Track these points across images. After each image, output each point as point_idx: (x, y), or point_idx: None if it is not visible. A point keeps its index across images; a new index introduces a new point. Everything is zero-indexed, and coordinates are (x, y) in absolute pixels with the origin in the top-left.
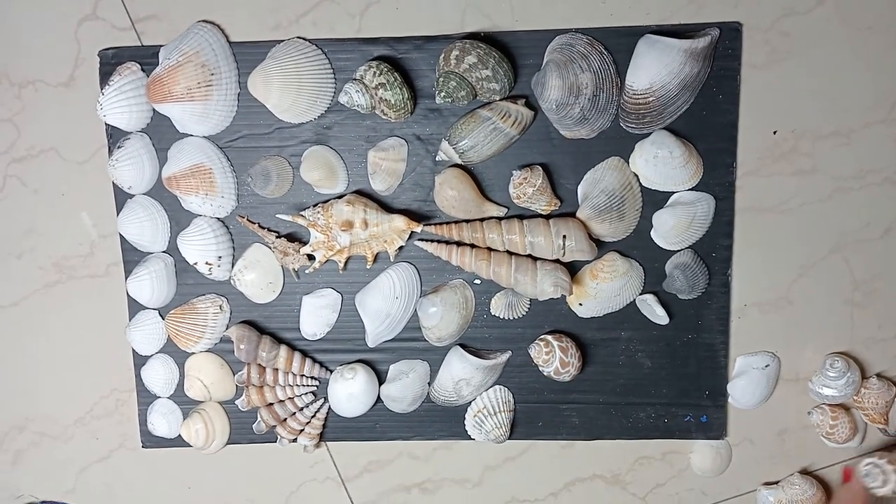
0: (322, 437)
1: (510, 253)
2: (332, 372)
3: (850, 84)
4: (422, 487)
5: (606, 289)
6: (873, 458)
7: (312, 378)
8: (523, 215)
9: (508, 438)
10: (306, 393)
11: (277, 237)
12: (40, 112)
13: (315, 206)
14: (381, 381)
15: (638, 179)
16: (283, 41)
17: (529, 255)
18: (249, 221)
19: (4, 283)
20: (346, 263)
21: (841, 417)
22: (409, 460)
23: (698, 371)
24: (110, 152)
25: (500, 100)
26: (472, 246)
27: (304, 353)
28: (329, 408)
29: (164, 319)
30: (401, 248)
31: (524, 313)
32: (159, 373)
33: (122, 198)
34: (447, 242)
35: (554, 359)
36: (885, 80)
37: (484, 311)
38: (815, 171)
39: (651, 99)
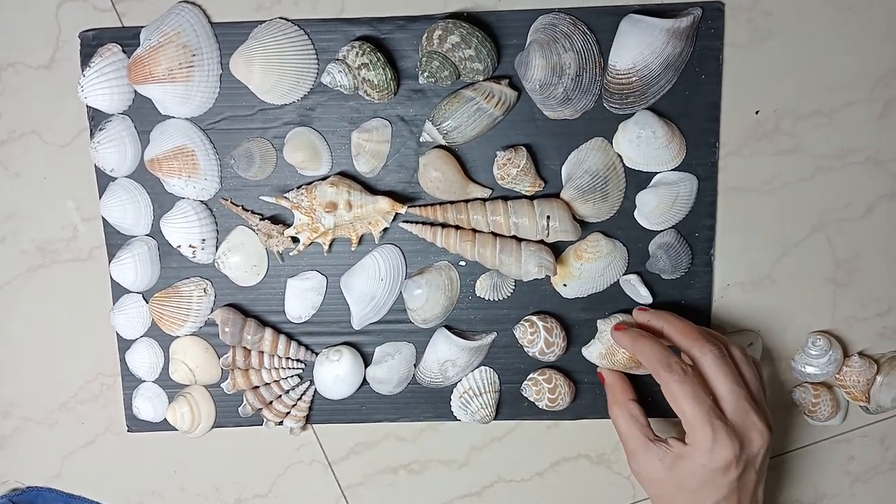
0: (308, 420)
1: (495, 234)
2: (317, 354)
3: (832, 63)
4: (408, 468)
5: (590, 269)
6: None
7: (298, 361)
8: (507, 196)
9: (494, 419)
10: (292, 376)
11: (261, 219)
12: (21, 95)
13: (299, 187)
14: (366, 364)
15: (621, 160)
16: (265, 21)
17: (514, 237)
18: (233, 204)
19: None
20: (330, 245)
21: (823, 396)
22: (395, 442)
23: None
24: (92, 135)
25: (484, 80)
26: (457, 227)
27: (290, 336)
28: (315, 390)
29: (147, 303)
30: (385, 229)
31: (509, 294)
32: (144, 357)
33: (104, 181)
34: (432, 224)
35: (539, 339)
36: (867, 60)
37: (469, 293)
38: (797, 151)
39: (634, 79)
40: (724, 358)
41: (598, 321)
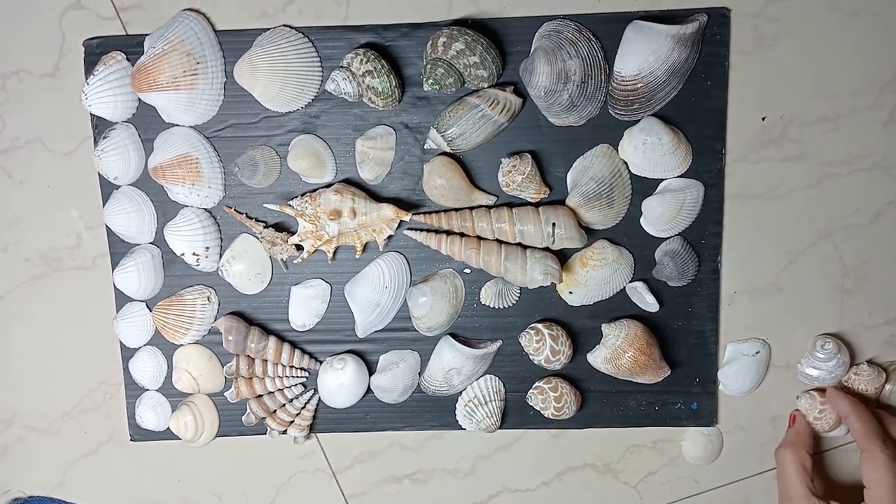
0: (312, 429)
1: (500, 241)
2: (321, 363)
3: (838, 70)
4: (413, 478)
5: (596, 276)
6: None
7: (302, 369)
8: (512, 203)
9: (499, 428)
10: (296, 384)
11: (265, 227)
12: (25, 103)
13: (303, 195)
14: (371, 372)
15: (627, 167)
16: (269, 29)
17: (519, 244)
18: (237, 212)
19: None
20: (334, 253)
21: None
22: (399, 451)
23: (688, 358)
24: (96, 143)
25: (489, 87)
26: (462, 235)
27: (294, 344)
28: (319, 399)
29: (151, 311)
30: (390, 237)
31: (514, 302)
32: (147, 365)
33: (108, 189)
34: (436, 231)
35: (544, 347)
36: (873, 66)
37: (474, 301)
38: (804, 157)
39: (639, 85)
40: None
41: (603, 325)
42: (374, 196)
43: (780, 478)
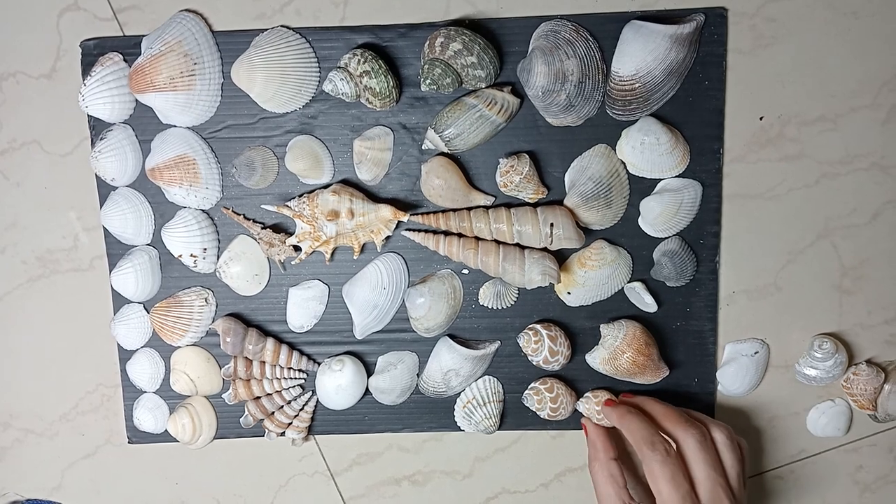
0: (310, 431)
1: (498, 242)
2: (319, 364)
3: (836, 69)
4: (412, 480)
5: (595, 277)
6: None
7: (300, 371)
8: (511, 204)
9: (498, 429)
10: (294, 386)
11: (263, 228)
12: (22, 104)
13: (300, 196)
14: (369, 373)
15: (625, 167)
16: (266, 30)
17: (517, 244)
18: (234, 213)
19: None
20: (332, 254)
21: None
22: (398, 452)
23: (687, 359)
24: (93, 144)
25: (486, 87)
26: (460, 235)
27: (292, 346)
28: (317, 401)
29: (148, 313)
30: (388, 238)
31: (512, 303)
32: (145, 367)
33: (105, 190)
34: (434, 232)
35: (543, 348)
36: (871, 65)
37: (472, 301)
38: (802, 157)
39: (637, 85)
40: (704, 443)
41: (602, 326)
42: (372, 197)
43: (597, 494)
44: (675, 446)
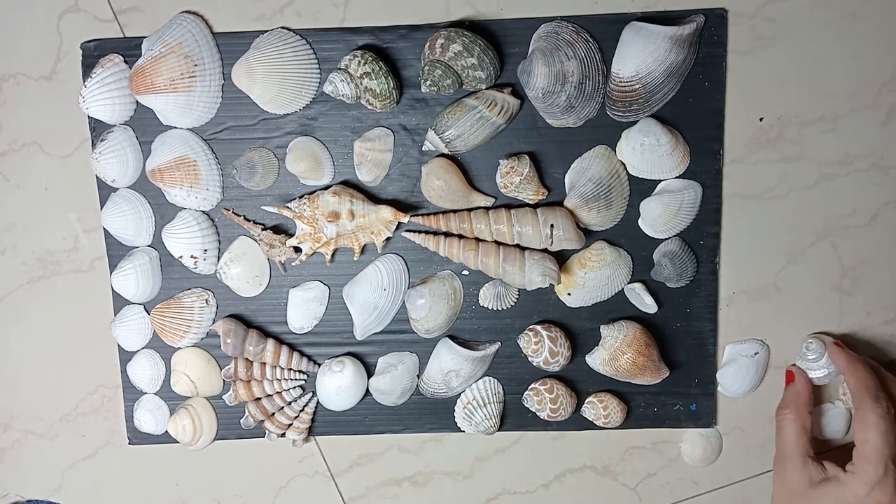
0: (311, 432)
1: (498, 243)
2: (320, 365)
3: (836, 70)
4: (412, 480)
5: (595, 278)
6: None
7: (300, 372)
8: (511, 205)
9: (498, 430)
10: (294, 387)
11: (263, 229)
12: (22, 106)
13: (301, 197)
14: (369, 374)
15: (625, 168)
16: (266, 31)
17: (517, 245)
18: (235, 214)
19: None
20: (332, 255)
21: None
22: (398, 453)
23: (687, 359)
24: (93, 146)
25: (487, 88)
26: (460, 236)
27: (292, 347)
28: (317, 402)
29: (149, 314)
30: (388, 239)
31: (513, 304)
32: (145, 368)
33: (105, 192)
34: (435, 233)
35: (543, 349)
36: (871, 66)
37: (472, 302)
38: (802, 158)
39: (637, 86)
40: None
41: (602, 327)
42: (373, 198)
43: (778, 436)
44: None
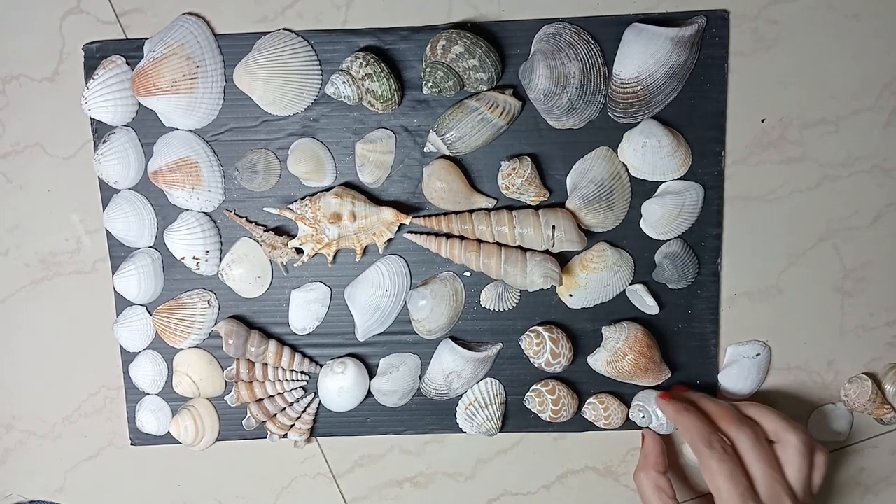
0: (313, 433)
1: (500, 244)
2: (321, 366)
3: (838, 71)
4: (414, 481)
5: (596, 279)
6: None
7: (302, 373)
8: (512, 206)
9: (500, 431)
10: (296, 388)
11: (265, 231)
12: (24, 107)
13: (303, 199)
14: (371, 375)
15: (627, 169)
16: (268, 33)
17: (519, 247)
18: (237, 215)
19: None
20: (334, 257)
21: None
22: (400, 454)
23: (689, 361)
24: (96, 147)
25: (488, 90)
26: (462, 238)
27: (294, 348)
28: (319, 403)
29: (151, 315)
30: (390, 240)
31: (514, 305)
32: (147, 369)
33: (107, 193)
34: (436, 234)
35: (544, 350)
36: (872, 67)
37: (474, 304)
38: (804, 159)
39: (639, 88)
40: (758, 441)
41: (603, 328)
42: (374, 199)
43: (641, 498)
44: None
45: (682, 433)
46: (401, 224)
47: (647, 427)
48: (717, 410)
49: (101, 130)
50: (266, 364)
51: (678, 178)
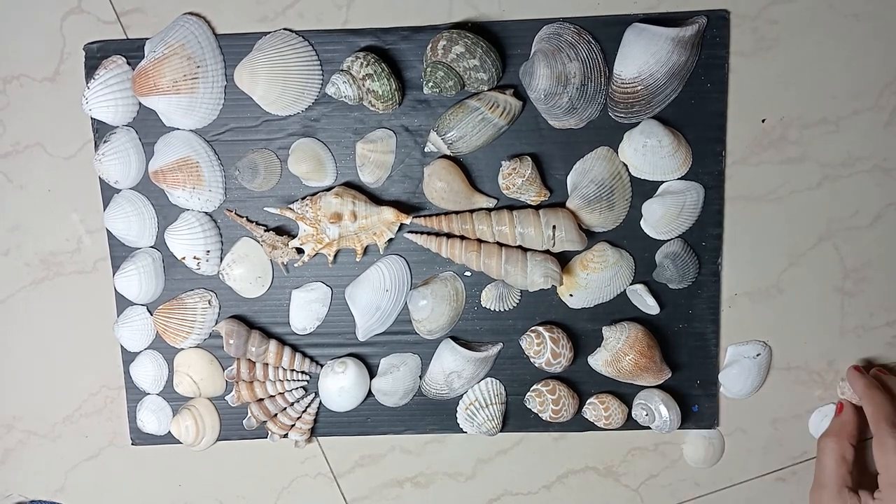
0: (313, 432)
1: (500, 244)
2: (322, 366)
3: (838, 71)
4: (414, 481)
5: (597, 279)
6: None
7: (303, 373)
8: (513, 206)
9: (500, 431)
10: (297, 388)
11: (266, 231)
12: (25, 107)
13: (303, 198)
14: (372, 375)
15: (627, 169)
16: (269, 33)
17: (520, 247)
18: (237, 215)
19: None
20: (335, 256)
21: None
22: (401, 454)
23: (689, 361)
24: (96, 147)
25: (489, 90)
26: (462, 238)
27: (294, 348)
28: (320, 402)
29: (152, 315)
30: (390, 240)
31: (515, 305)
32: (148, 369)
33: (108, 193)
34: (437, 234)
35: (545, 350)
36: (873, 68)
37: (474, 304)
38: (804, 159)
39: (639, 88)
40: None
41: (604, 328)
42: (375, 199)
43: (818, 464)
44: None
45: (867, 407)
46: (401, 224)
47: (649, 427)
48: None
49: (101, 130)
50: (267, 364)
51: (679, 178)
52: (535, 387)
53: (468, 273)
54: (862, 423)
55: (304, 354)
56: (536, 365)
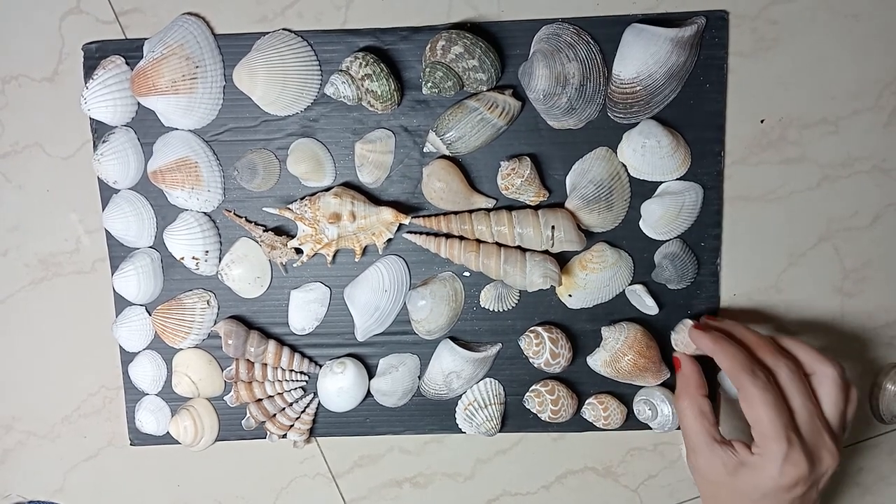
0: (312, 433)
1: (499, 245)
2: (321, 367)
3: (838, 72)
4: (413, 482)
5: (596, 279)
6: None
7: (301, 373)
8: (512, 206)
9: (499, 431)
10: (295, 388)
11: (265, 231)
12: (24, 107)
13: (302, 199)
14: (370, 376)
15: (626, 169)
16: (268, 33)
17: (518, 247)
18: (236, 215)
19: None
20: (334, 257)
21: None
22: (400, 455)
23: None
24: (95, 147)
25: (488, 90)
26: (461, 238)
27: (293, 348)
28: (319, 403)
29: (150, 315)
30: (389, 240)
31: (514, 305)
32: (147, 369)
33: (107, 193)
34: (436, 234)
35: (544, 350)
36: (872, 68)
37: (473, 304)
38: (803, 160)
39: (638, 88)
40: (797, 373)
41: (603, 328)
42: (374, 199)
43: (682, 431)
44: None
45: (721, 362)
46: (400, 224)
47: (648, 426)
48: (755, 340)
49: (100, 130)
50: (265, 364)
51: (678, 179)
52: (533, 387)
53: (467, 273)
54: (702, 372)
55: (303, 355)
56: (535, 365)
